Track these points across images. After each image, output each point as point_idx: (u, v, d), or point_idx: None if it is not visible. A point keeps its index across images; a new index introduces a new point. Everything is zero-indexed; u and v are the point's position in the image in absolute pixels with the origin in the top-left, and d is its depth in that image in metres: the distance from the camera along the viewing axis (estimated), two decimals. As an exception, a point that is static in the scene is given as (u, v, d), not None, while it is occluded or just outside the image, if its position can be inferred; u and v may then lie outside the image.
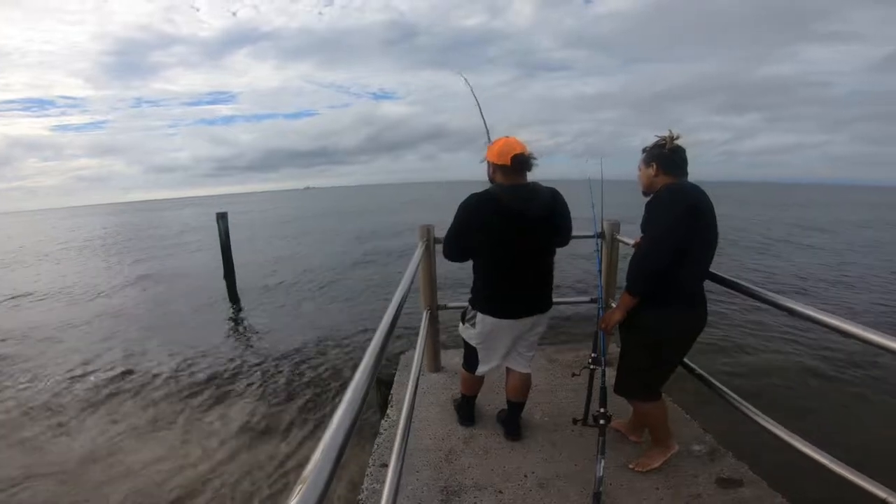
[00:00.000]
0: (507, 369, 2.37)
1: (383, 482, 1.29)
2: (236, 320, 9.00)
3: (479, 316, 2.15)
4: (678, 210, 1.78)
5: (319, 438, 0.69)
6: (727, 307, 7.62)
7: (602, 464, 1.93)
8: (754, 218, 27.53)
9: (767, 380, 5.41)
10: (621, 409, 2.34)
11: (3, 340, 7.92)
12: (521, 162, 1.96)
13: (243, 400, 5.47)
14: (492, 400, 2.74)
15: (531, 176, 2.05)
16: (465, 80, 2.57)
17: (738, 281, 1.90)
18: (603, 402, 2.07)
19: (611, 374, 2.08)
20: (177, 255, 18.49)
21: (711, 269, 1.95)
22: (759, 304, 1.80)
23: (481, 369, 2.30)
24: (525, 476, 2.15)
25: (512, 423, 2.44)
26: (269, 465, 4.11)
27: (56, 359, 6.96)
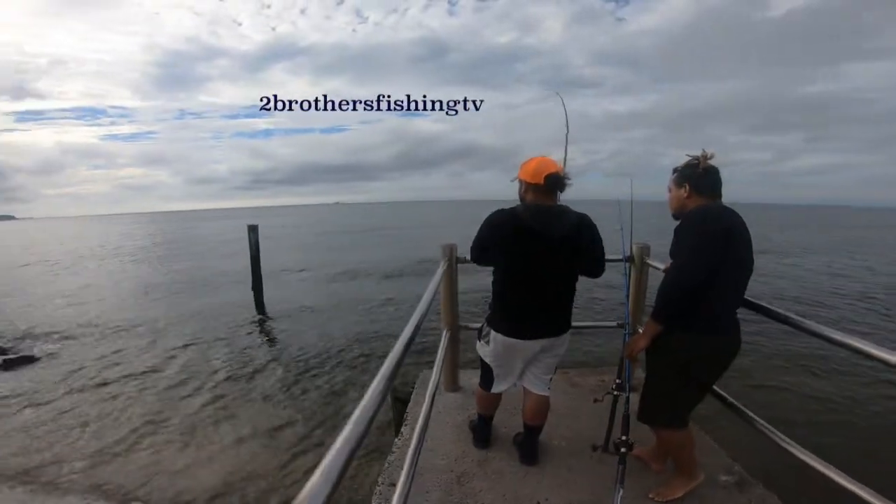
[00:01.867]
0: (525, 391, 2.30)
1: (391, 502, 1.26)
2: (262, 332, 9.16)
3: (493, 334, 2.13)
4: (709, 234, 1.70)
5: (321, 458, 0.67)
6: (761, 334, 7.28)
7: (620, 493, 1.84)
8: (795, 241, 26.40)
9: (803, 409, 5.15)
10: (644, 437, 2.23)
11: (49, 334, 8.30)
12: (555, 182, 1.93)
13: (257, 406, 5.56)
14: (509, 422, 2.66)
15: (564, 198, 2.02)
16: (562, 99, 2.45)
17: (774, 308, 1.80)
18: (625, 430, 2.00)
19: (635, 400, 2.00)
20: (218, 262, 19.28)
21: (747, 296, 1.85)
22: (794, 331, 1.70)
23: (496, 387, 2.26)
24: (538, 503, 2.06)
25: (528, 447, 2.36)
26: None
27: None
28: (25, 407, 5.72)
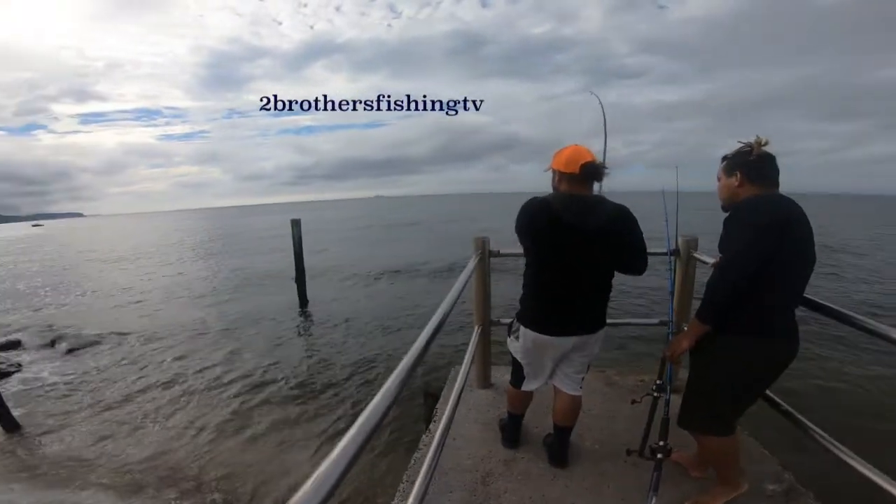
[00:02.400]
0: (556, 390, 2.20)
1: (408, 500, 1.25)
2: (304, 323, 9.43)
3: (522, 329, 2.04)
4: (761, 225, 1.54)
5: (326, 454, 0.64)
6: (820, 334, 6.74)
7: (653, 501, 1.73)
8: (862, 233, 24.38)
9: (863, 418, 4.71)
10: (685, 441, 2.09)
11: (122, 335, 8.91)
12: (591, 171, 1.82)
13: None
14: (540, 422, 2.56)
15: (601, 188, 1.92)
16: (598, 99, 2.38)
17: (836, 307, 1.63)
18: (663, 435, 1.89)
19: (676, 403, 1.88)
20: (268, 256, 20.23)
21: (806, 294, 1.69)
22: (861, 333, 1.52)
23: (527, 385, 2.17)
24: (565, 507, 1.97)
25: (557, 448, 2.26)
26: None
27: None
28: (86, 392, 6.15)
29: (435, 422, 2.69)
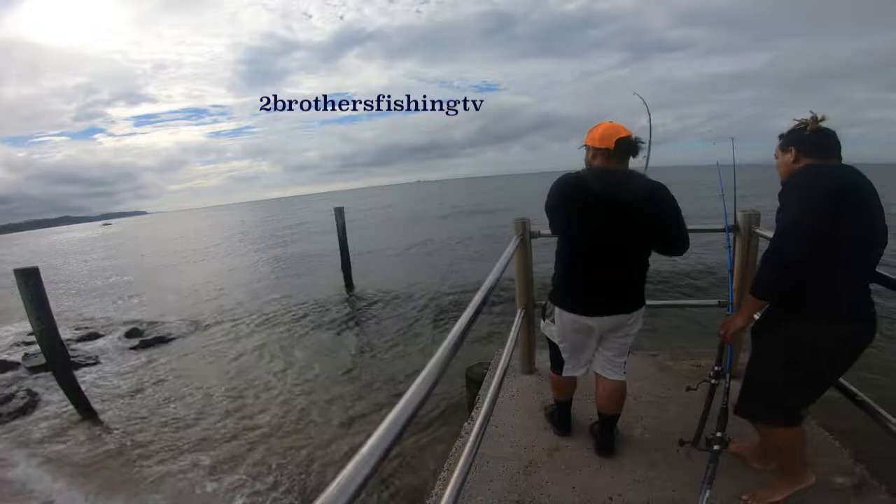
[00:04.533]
0: (597, 376, 2.12)
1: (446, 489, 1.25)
2: (352, 311, 9.68)
3: (557, 311, 2.00)
4: (817, 193, 1.44)
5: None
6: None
7: (707, 495, 1.63)
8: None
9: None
10: (745, 430, 1.94)
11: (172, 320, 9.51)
12: (627, 146, 1.78)
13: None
14: (587, 410, 2.47)
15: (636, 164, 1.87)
16: (643, 99, 2.28)
17: None
18: (721, 425, 1.79)
19: (736, 390, 1.77)
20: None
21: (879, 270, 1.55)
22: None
23: (567, 371, 2.11)
24: (610, 498, 1.88)
25: (604, 436, 2.18)
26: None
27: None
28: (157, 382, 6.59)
29: (477, 408, 2.67)
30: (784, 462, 1.79)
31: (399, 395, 0.84)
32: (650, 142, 1.98)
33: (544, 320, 2.14)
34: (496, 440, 2.31)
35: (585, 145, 1.88)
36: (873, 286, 1.55)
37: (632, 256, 1.87)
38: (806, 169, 1.55)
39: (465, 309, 1.29)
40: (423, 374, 0.91)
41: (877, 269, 1.55)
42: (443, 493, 1.29)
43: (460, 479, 1.33)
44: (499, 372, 1.94)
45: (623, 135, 1.76)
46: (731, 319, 1.72)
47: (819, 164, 1.54)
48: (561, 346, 2.08)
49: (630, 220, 1.77)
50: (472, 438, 1.50)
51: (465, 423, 2.53)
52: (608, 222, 1.78)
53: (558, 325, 2.02)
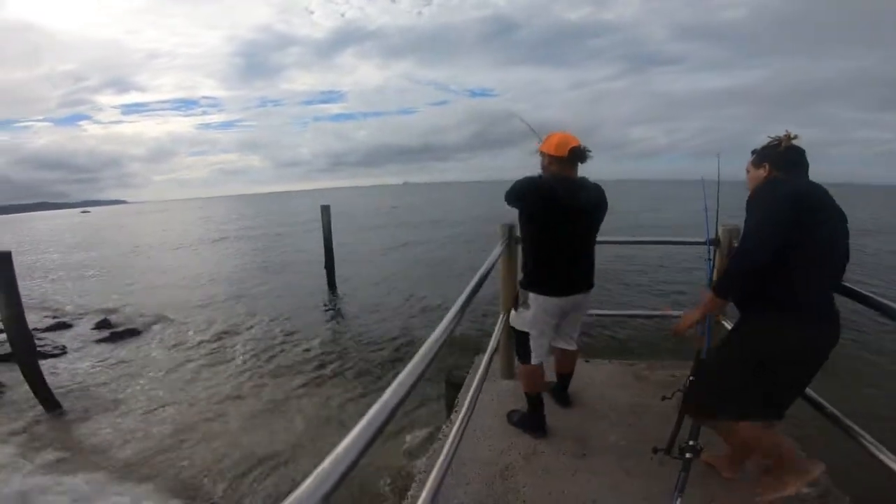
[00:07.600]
0: (558, 351, 2.48)
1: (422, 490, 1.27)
2: (333, 309, 9.62)
3: (532, 296, 2.22)
4: (778, 201, 1.56)
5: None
6: (861, 327, 6.36)
7: (678, 501, 1.67)
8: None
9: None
10: (715, 440, 1.98)
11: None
12: (577, 154, 2.10)
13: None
14: (561, 417, 2.51)
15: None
16: (528, 124, 2.46)
17: (874, 296, 1.58)
18: (694, 434, 1.83)
19: None
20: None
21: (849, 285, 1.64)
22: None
23: (535, 356, 2.29)
24: (585, 504, 1.90)
25: (562, 392, 2.65)
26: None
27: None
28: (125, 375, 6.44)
29: (456, 411, 2.66)
30: (777, 460, 1.78)
31: (381, 390, 0.85)
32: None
33: (516, 310, 2.32)
34: (474, 443, 2.31)
35: (541, 152, 2.18)
36: (842, 301, 1.62)
37: (587, 246, 2.25)
38: (771, 181, 1.67)
39: (447, 312, 1.30)
40: (402, 375, 0.92)
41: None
42: (419, 495, 1.30)
43: (437, 481, 1.33)
44: (479, 376, 1.95)
45: (574, 144, 2.08)
46: (689, 314, 1.83)
47: (782, 177, 1.66)
48: (532, 332, 2.27)
49: (584, 219, 2.18)
50: (449, 441, 1.51)
51: (444, 426, 2.53)
52: (571, 219, 2.12)
53: (533, 309, 2.23)
